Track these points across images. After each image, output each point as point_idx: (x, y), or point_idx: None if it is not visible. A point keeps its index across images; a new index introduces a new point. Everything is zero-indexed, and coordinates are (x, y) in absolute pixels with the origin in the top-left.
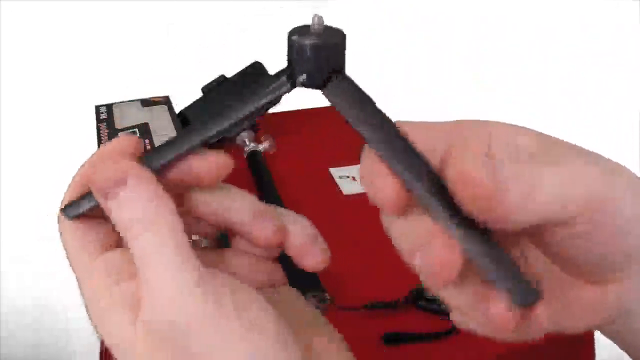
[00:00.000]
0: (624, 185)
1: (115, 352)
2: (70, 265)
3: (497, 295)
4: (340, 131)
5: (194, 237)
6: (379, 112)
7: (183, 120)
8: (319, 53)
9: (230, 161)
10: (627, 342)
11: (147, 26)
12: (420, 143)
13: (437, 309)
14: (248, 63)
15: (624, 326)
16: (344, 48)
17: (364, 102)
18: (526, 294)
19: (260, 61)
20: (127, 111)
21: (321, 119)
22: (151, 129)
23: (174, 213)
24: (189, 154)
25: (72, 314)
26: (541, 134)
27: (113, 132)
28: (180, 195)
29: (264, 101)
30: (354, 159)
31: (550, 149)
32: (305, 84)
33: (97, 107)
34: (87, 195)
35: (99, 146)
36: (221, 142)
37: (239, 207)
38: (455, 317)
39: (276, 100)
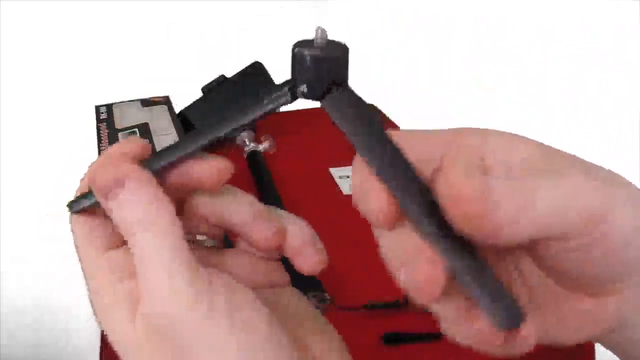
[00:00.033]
0: (623, 199)
1: (117, 348)
2: (79, 261)
3: (481, 313)
4: (340, 131)
5: (200, 237)
6: (376, 124)
7: (183, 120)
8: (319, 65)
9: (230, 165)
10: (626, 352)
11: (147, 26)
12: (416, 152)
13: None
14: (248, 63)
15: (623, 337)
16: (346, 61)
17: (361, 115)
18: (509, 317)
19: (260, 61)
20: (127, 111)
21: (321, 119)
22: (151, 129)
23: (172, 214)
24: (190, 158)
25: (72, 314)
26: (541, 144)
27: (113, 132)
28: (183, 197)
29: (264, 111)
30: None
31: (549, 161)
32: (305, 95)
33: (97, 107)
34: (89, 193)
35: (99, 146)
36: (222, 142)
37: (239, 209)
38: (443, 327)
39: (276, 109)
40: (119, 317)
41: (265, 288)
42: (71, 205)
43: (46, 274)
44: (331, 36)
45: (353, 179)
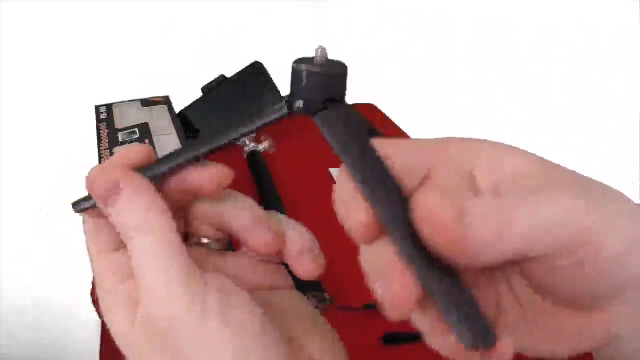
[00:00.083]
0: (611, 219)
1: (121, 347)
2: (90, 261)
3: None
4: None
5: (204, 240)
6: (364, 141)
7: (183, 120)
8: (315, 82)
9: (230, 172)
10: None
11: (147, 26)
12: (403, 163)
13: None
14: (248, 63)
15: (618, 351)
16: (344, 80)
17: (350, 131)
18: (477, 336)
19: (260, 61)
20: (127, 111)
21: None
22: (151, 129)
23: (169, 219)
24: (189, 165)
25: (72, 314)
26: (534, 158)
27: (113, 132)
28: (188, 202)
29: (262, 123)
30: None
31: (540, 177)
32: (301, 110)
33: (97, 107)
34: (89, 196)
35: (99, 146)
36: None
37: (239, 214)
38: (424, 336)
39: (273, 122)
40: (120, 318)
41: (267, 290)
42: (75, 205)
43: (46, 274)
44: (331, 36)
45: (336, 190)
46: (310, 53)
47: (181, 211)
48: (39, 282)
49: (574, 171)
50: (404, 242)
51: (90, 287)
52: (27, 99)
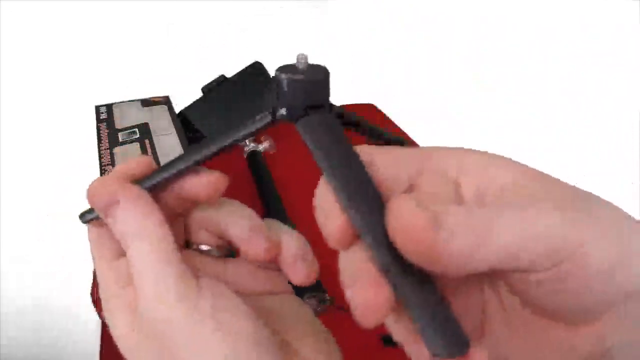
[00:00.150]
0: (598, 232)
1: (122, 352)
2: (94, 266)
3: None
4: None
5: (204, 247)
6: (346, 148)
7: (183, 120)
8: (296, 88)
9: (224, 178)
10: None
11: (147, 26)
12: (386, 172)
13: None
14: (248, 63)
15: None
16: (326, 85)
17: (330, 138)
18: (449, 347)
19: (260, 61)
20: (127, 111)
21: None
22: (151, 129)
23: (164, 227)
24: (184, 173)
25: (72, 314)
26: (517, 166)
27: (113, 132)
28: (186, 209)
29: (247, 131)
30: None
31: (525, 189)
32: (284, 118)
33: (97, 107)
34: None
35: (99, 146)
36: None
37: (236, 222)
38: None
39: (259, 131)
40: (121, 323)
41: (267, 295)
42: (81, 216)
43: (46, 274)
44: (331, 36)
45: (316, 196)
46: (310, 53)
47: (181, 218)
48: (39, 282)
49: (562, 182)
50: (378, 248)
51: (90, 287)
52: (27, 99)
